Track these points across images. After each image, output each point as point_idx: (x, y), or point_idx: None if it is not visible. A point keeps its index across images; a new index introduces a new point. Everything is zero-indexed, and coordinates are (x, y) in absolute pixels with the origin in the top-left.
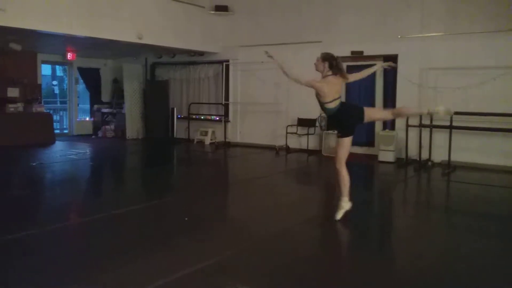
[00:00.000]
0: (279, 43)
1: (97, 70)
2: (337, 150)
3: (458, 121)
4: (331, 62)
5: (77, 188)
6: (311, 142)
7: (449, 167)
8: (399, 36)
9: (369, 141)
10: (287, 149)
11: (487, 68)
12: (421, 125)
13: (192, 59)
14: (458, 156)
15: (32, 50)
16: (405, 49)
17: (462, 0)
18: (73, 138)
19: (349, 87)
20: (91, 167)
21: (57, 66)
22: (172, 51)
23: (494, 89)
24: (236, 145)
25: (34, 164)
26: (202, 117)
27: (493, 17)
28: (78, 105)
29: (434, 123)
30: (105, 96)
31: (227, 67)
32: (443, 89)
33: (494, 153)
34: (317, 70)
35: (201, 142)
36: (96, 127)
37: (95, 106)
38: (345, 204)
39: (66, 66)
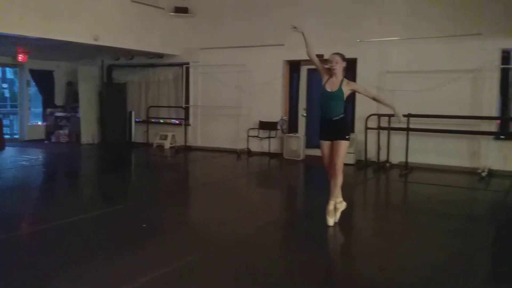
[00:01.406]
0: (241, 46)
1: (50, 73)
2: (342, 153)
3: (415, 124)
4: (345, 61)
5: (29, 196)
6: (273, 146)
7: (406, 168)
8: (358, 40)
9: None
10: (249, 153)
11: (443, 72)
12: (379, 128)
13: (151, 61)
14: (415, 158)
15: None
16: (364, 53)
17: (419, 5)
18: (25, 143)
19: (310, 89)
20: (44, 174)
21: (7, 68)
22: (130, 53)
23: (449, 92)
24: (197, 149)
25: None
26: (161, 121)
27: (449, 22)
28: (29, 109)
29: (392, 125)
30: (59, 100)
31: (188, 69)
32: (400, 92)
33: (449, 154)
34: (336, 72)
35: (160, 146)
36: (49, 131)
37: (48, 110)
38: (342, 205)
39: (17, 68)
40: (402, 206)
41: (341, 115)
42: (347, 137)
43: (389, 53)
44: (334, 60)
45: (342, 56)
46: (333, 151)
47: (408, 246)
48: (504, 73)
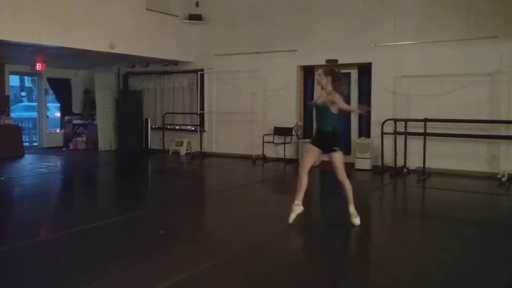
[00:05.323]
0: (254, 52)
1: (67, 81)
2: (338, 165)
3: (431, 128)
4: (332, 76)
5: (47, 203)
6: (288, 151)
7: (424, 173)
8: (372, 45)
9: (346, 149)
10: (264, 159)
11: (459, 76)
12: (396, 133)
13: (166, 68)
14: (432, 163)
15: None
16: (379, 57)
17: (433, 9)
18: (43, 150)
19: None
20: (62, 181)
21: (25, 77)
22: (145, 61)
23: (466, 96)
24: (212, 155)
25: (2, 178)
26: (177, 127)
27: (463, 25)
28: (48, 117)
29: (408, 130)
30: (76, 107)
31: (202, 76)
32: (416, 96)
33: (466, 158)
34: (322, 86)
35: (176, 153)
36: (67, 139)
37: (66, 118)
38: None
39: (35, 77)
40: (420, 212)
41: (330, 128)
42: (334, 148)
43: (404, 57)
44: (317, 74)
45: (325, 71)
46: (331, 163)
47: (426, 253)
48: None
